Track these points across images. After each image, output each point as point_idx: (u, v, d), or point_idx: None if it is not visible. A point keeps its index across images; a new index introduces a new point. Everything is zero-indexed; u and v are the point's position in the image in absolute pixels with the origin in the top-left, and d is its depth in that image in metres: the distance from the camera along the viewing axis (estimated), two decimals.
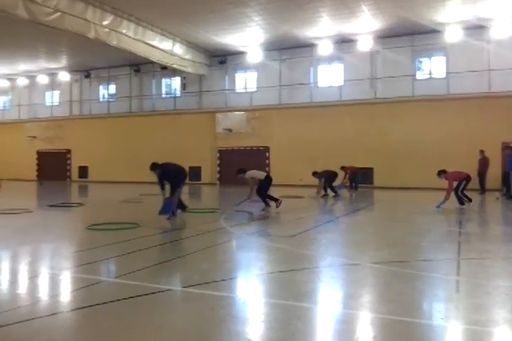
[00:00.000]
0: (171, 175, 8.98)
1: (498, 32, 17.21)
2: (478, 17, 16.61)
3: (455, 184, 10.83)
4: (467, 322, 3.39)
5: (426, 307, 3.85)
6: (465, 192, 11.07)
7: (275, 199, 10.78)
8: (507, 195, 13.84)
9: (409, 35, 18.63)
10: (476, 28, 17.47)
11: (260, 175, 10.94)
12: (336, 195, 14.78)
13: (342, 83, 20.29)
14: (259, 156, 21.26)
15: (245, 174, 10.80)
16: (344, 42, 19.54)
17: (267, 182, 10.88)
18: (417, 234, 7.49)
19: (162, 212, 8.91)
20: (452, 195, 10.80)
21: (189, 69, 21.16)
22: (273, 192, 17.75)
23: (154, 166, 9.10)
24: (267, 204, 10.65)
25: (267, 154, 21.52)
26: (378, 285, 4.45)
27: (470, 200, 11.12)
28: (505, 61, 17.31)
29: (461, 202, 10.85)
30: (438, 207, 10.79)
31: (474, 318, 3.46)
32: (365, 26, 17.92)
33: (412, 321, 3.39)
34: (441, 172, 11.12)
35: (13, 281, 4.61)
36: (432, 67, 19.46)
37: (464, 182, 10.79)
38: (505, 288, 4.30)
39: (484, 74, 17.78)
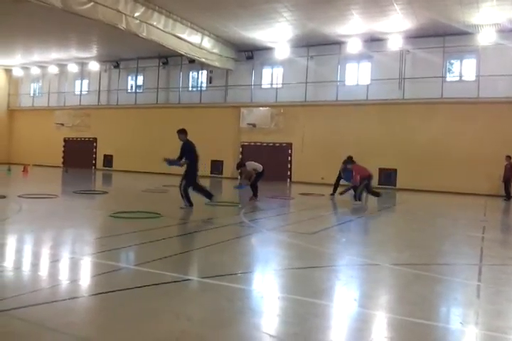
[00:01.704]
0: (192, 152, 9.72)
1: None
2: None
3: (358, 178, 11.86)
4: (486, 328, 3.34)
5: (445, 311, 3.81)
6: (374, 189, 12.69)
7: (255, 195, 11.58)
8: None
9: (441, 36, 18.23)
10: (510, 32, 17.01)
11: (259, 167, 11.54)
12: (333, 194, 14.25)
13: (369, 82, 20.05)
14: (281, 152, 21.22)
15: (246, 166, 11.48)
16: (373, 40, 19.26)
17: (262, 175, 11.57)
18: (439, 237, 7.39)
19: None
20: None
21: (216, 64, 21.22)
22: (294, 188, 17.87)
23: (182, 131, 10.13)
24: (256, 195, 11.52)
25: (290, 151, 21.46)
26: (397, 286, 4.41)
27: (378, 195, 12.48)
28: None
29: (358, 199, 11.71)
30: (341, 194, 13.00)
31: (494, 324, 3.40)
32: (395, 25, 17.61)
33: (430, 324, 3.35)
34: (349, 160, 13.08)
35: (36, 264, 4.73)
36: (463, 70, 19.05)
37: (366, 181, 11.70)
38: None
39: None
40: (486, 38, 17.31)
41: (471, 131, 17.76)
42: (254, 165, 11.58)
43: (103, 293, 3.72)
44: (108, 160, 26.22)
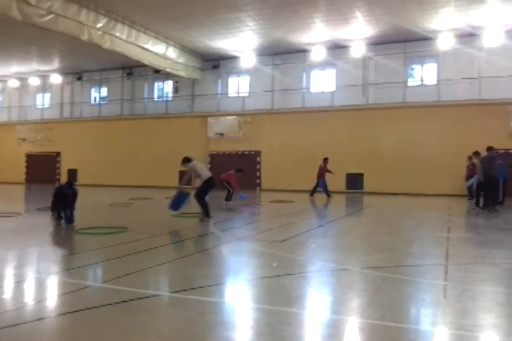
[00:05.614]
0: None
1: (489, 40, 17.42)
2: (470, 25, 16.81)
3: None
4: (454, 327, 3.41)
5: (414, 312, 3.87)
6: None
7: (208, 214, 9.19)
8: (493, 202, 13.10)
9: (402, 42, 18.80)
10: (468, 36, 17.68)
11: (204, 173, 9.32)
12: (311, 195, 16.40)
13: (334, 89, 20.40)
14: (250, 161, 21.27)
15: (188, 164, 9.27)
16: (337, 48, 19.67)
17: (209, 185, 9.30)
18: (406, 239, 7.53)
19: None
20: None
21: (182, 73, 21.17)
22: (264, 196, 17.90)
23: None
24: (207, 214, 9.13)
25: (258, 159, 21.54)
26: (367, 290, 4.46)
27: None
28: (496, 69, 17.52)
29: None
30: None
31: (461, 323, 3.48)
32: (358, 32, 18.05)
33: (400, 326, 3.40)
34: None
35: (0, 286, 4.55)
36: (424, 74, 19.64)
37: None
38: (491, 293, 4.34)
39: (475, 82, 17.98)
40: (445, 42, 17.93)
41: (434, 133, 18.30)
42: (196, 167, 9.27)
43: (70, 312, 3.61)
44: (73, 174, 25.60)
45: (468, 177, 15.81)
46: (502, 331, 3.38)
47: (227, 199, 13.05)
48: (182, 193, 9.39)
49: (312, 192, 16.63)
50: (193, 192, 9.41)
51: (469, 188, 15.25)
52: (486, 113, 17.47)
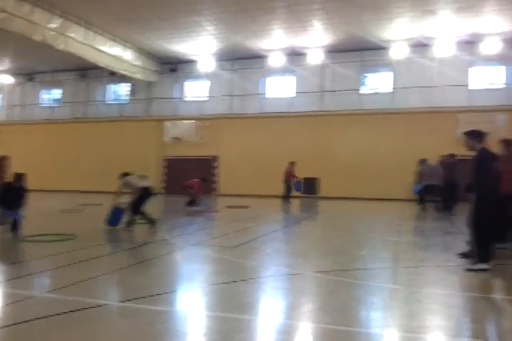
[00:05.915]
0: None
1: (441, 50, 18.16)
2: (423, 35, 17.47)
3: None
4: (403, 330, 3.51)
5: (365, 315, 3.93)
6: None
7: (151, 221, 8.96)
8: (444, 205, 13.66)
9: (358, 50, 19.28)
10: (421, 46, 18.35)
11: (140, 184, 9.06)
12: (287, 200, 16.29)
13: (294, 95, 20.65)
14: (207, 166, 21.13)
15: (123, 178, 9.05)
16: (296, 54, 19.92)
17: (145, 194, 8.97)
18: (358, 243, 7.67)
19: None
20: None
21: (138, 76, 20.81)
22: (222, 201, 17.80)
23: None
24: (150, 220, 8.94)
25: (216, 163, 21.43)
26: (319, 294, 4.51)
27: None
28: (447, 78, 18.28)
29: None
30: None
31: (409, 325, 3.57)
32: (315, 40, 18.37)
33: (352, 330, 3.45)
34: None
35: None
36: (379, 82, 20.21)
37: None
38: (438, 295, 4.49)
39: (427, 90, 18.67)
40: (399, 52, 18.52)
41: (388, 140, 18.84)
42: (137, 182, 9.12)
43: (13, 324, 3.43)
44: (20, 176, 24.42)
45: (417, 183, 16.31)
46: (448, 332, 3.52)
47: (190, 204, 13.21)
48: (117, 209, 8.92)
49: (287, 197, 16.50)
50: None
51: (418, 193, 15.73)
52: (437, 120, 18.15)
